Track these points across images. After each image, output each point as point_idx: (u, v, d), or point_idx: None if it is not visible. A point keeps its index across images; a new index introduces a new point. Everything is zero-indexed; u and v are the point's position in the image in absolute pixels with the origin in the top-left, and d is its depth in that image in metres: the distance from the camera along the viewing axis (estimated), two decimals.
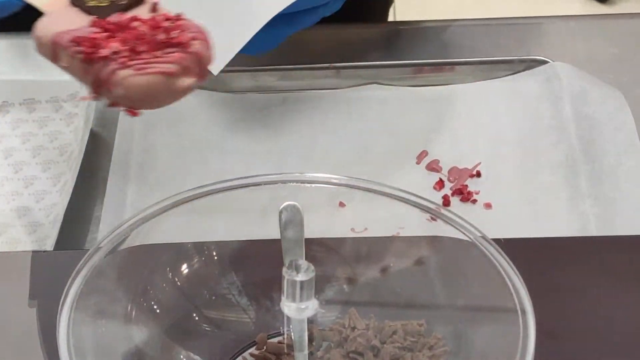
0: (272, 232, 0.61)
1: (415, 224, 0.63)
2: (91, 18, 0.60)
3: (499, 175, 0.80)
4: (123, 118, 0.84)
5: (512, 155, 0.81)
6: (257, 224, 0.64)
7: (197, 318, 0.58)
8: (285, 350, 0.59)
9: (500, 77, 0.87)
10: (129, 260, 0.57)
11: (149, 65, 0.56)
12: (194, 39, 0.57)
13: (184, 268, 0.59)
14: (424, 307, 0.60)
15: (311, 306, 0.54)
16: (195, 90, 0.58)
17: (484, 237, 0.58)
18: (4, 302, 0.66)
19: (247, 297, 0.60)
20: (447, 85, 0.87)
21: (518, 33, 0.91)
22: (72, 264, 0.55)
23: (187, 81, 0.57)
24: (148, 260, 0.58)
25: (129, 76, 0.56)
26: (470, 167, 0.81)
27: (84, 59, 0.57)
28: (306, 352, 0.57)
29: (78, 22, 0.59)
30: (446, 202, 0.78)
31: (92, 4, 0.61)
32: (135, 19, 0.59)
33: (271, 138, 0.84)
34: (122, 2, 0.61)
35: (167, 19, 0.59)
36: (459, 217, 0.59)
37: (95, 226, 0.76)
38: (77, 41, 0.58)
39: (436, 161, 0.82)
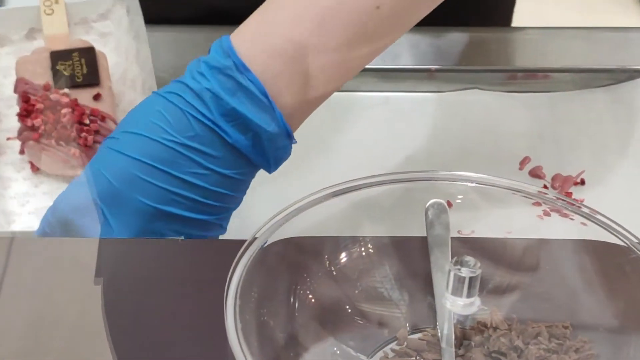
0: (409, 229, 0.62)
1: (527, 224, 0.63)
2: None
3: (604, 183, 0.80)
4: None
5: (617, 163, 0.82)
6: (394, 221, 0.64)
7: (349, 310, 0.58)
8: (426, 347, 0.59)
9: (602, 86, 0.87)
10: (286, 251, 0.57)
11: (50, 149, 0.73)
12: (96, 141, 0.72)
13: (342, 258, 0.59)
14: (570, 310, 0.60)
15: (476, 302, 0.55)
16: None
17: None
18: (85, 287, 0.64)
19: (399, 291, 0.60)
20: (548, 92, 0.87)
21: (615, 43, 0.92)
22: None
23: (76, 172, 0.72)
24: (307, 251, 0.58)
25: (34, 147, 0.73)
26: (574, 174, 0.81)
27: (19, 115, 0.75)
28: (453, 348, 0.57)
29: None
30: None
31: (59, 67, 0.77)
32: (66, 105, 0.73)
33: (373, 138, 0.84)
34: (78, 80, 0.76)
35: (92, 115, 0.73)
36: (614, 221, 0.59)
37: None
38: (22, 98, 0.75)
39: (539, 167, 0.82)
